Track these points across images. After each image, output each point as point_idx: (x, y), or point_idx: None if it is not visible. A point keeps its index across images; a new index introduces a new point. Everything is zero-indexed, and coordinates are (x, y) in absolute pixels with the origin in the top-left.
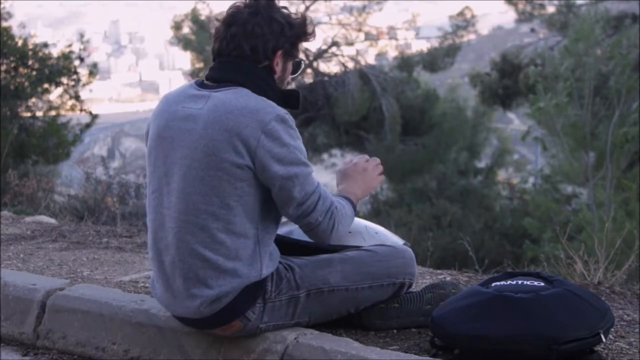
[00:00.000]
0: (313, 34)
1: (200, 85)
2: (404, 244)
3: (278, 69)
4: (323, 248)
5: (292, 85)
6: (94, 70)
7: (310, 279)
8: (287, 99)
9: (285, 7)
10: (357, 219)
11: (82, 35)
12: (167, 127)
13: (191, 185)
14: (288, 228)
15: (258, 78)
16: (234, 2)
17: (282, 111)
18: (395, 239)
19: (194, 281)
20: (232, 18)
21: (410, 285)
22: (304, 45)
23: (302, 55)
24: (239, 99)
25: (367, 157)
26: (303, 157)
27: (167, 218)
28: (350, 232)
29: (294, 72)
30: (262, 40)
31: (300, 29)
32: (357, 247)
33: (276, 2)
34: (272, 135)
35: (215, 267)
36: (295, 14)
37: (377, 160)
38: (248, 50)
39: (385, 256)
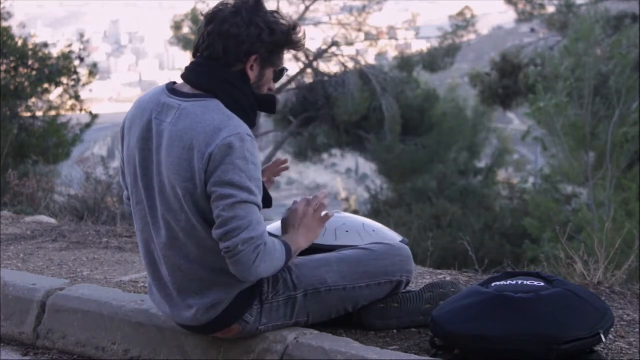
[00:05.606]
0: (300, 43)
1: (171, 91)
2: (402, 241)
3: (253, 74)
4: (320, 248)
5: (288, 89)
6: (94, 70)
7: (308, 279)
8: (263, 104)
9: (276, 12)
10: (354, 217)
11: (82, 35)
12: (143, 138)
13: (165, 202)
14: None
15: (231, 85)
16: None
17: (246, 132)
18: (393, 236)
19: (188, 292)
20: (213, 16)
21: (407, 283)
22: (296, 51)
23: (287, 64)
24: (205, 114)
25: (308, 199)
26: (247, 182)
27: (154, 232)
28: (347, 231)
29: (275, 80)
30: (236, 41)
31: (282, 37)
32: (354, 246)
33: (264, 5)
34: (225, 152)
35: (204, 279)
36: (285, 20)
37: (320, 199)
38: (220, 50)
39: (382, 254)
